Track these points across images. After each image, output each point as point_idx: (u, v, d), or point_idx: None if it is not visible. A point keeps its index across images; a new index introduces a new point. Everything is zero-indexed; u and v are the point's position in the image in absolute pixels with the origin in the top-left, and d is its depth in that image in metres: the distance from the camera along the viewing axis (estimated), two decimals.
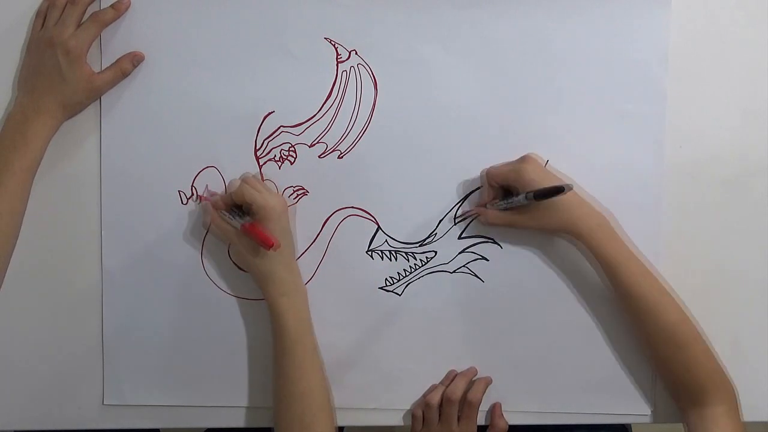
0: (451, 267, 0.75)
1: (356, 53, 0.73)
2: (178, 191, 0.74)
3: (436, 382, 0.76)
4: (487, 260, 0.75)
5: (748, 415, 0.76)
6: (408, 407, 0.77)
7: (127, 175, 0.74)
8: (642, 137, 0.74)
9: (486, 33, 0.73)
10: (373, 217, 0.75)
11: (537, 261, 0.75)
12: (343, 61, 0.73)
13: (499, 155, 0.73)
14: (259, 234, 0.67)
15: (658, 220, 0.74)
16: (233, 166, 0.73)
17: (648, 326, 0.70)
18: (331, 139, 0.74)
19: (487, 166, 0.73)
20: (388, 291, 0.75)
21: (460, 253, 0.75)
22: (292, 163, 0.74)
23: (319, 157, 0.74)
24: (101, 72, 0.72)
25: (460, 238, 0.75)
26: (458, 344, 0.76)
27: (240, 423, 0.76)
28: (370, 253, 0.75)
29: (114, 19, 0.71)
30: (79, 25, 0.70)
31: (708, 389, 0.69)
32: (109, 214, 0.74)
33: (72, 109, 0.71)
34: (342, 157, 0.74)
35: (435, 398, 0.74)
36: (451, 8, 0.72)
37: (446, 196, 0.74)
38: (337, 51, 0.73)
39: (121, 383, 0.76)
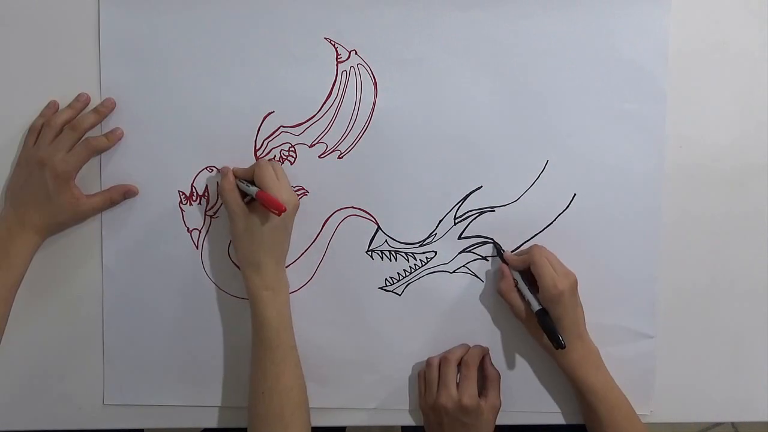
0: (451, 267, 0.75)
1: (356, 53, 0.73)
2: (178, 191, 0.74)
3: None
4: (487, 260, 0.75)
5: (748, 415, 0.76)
6: (408, 407, 0.77)
7: (127, 175, 0.74)
8: (642, 137, 0.74)
9: (486, 33, 0.73)
10: (373, 217, 0.75)
11: None
12: (343, 61, 0.73)
13: (498, 155, 0.73)
14: (271, 198, 0.65)
15: (658, 221, 0.74)
16: (233, 166, 0.73)
17: None
18: (331, 139, 0.74)
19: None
20: (388, 291, 0.75)
21: (460, 253, 0.75)
22: (292, 164, 0.74)
23: (319, 157, 0.74)
24: (90, 196, 0.72)
25: (460, 238, 0.75)
26: (458, 344, 0.76)
27: (239, 423, 0.76)
28: (370, 253, 0.75)
29: (106, 149, 0.72)
30: (71, 148, 0.70)
31: None
32: (109, 214, 0.74)
33: (56, 228, 0.72)
34: (342, 157, 0.74)
35: (435, 360, 0.74)
36: (451, 8, 0.72)
37: (446, 196, 0.74)
38: (337, 51, 0.73)
39: (121, 383, 0.76)
